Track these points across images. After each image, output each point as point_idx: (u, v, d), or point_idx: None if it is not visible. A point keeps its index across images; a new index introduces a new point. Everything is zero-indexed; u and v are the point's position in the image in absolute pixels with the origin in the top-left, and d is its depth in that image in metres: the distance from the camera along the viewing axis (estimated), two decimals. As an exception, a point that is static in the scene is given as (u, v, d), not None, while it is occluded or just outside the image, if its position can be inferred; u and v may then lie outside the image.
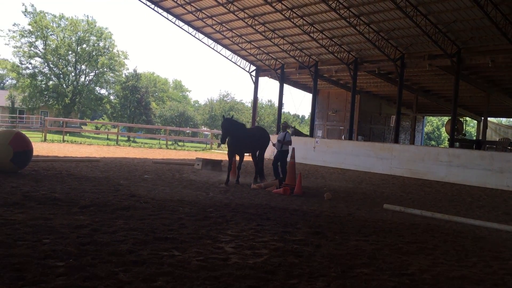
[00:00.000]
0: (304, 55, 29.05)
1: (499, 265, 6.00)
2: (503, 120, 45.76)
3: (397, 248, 6.53)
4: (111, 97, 57.35)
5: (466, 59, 21.68)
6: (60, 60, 52.18)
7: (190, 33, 30.93)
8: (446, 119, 38.57)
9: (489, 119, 30.75)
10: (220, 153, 30.50)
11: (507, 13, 17.97)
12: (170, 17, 29.74)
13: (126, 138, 44.55)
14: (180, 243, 5.73)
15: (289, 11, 23.59)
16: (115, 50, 55.73)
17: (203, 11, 27.73)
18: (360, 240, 6.82)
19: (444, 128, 50.52)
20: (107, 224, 6.47)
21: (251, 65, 33.75)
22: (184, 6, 27.67)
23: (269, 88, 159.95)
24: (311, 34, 25.10)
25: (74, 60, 53.01)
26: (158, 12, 29.22)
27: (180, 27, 30.41)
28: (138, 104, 52.35)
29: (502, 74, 24.61)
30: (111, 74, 55.89)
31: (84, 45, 53.01)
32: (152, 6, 28.81)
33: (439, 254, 6.38)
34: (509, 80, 25.32)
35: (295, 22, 24.33)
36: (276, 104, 35.12)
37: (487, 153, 19.02)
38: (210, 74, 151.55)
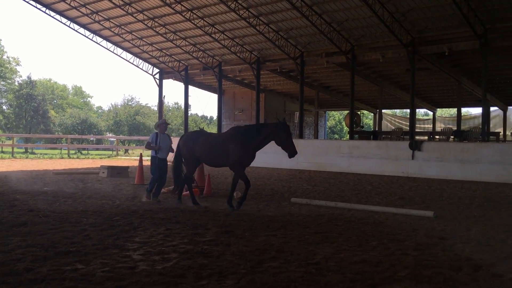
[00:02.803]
0: (207, 56, 29.08)
1: (395, 246, 6.45)
2: (397, 111, 49.08)
3: (304, 239, 6.77)
4: (4, 107, 53.32)
5: (359, 55, 22.99)
6: None
7: (87, 37, 29.64)
8: (346, 113, 40.64)
9: (384, 111, 32.88)
10: (127, 159, 29.62)
11: (393, 11, 19.30)
12: (64, 20, 28.27)
13: (23, 150, 41.65)
14: (84, 256, 5.48)
15: (189, 13, 23.46)
16: (4, 57, 51.95)
17: (99, 13, 26.69)
18: (269, 235, 6.98)
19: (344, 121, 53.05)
20: (2, 243, 6.01)
21: (154, 68, 33.13)
22: (78, 8, 26.42)
23: (175, 90, 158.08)
24: (213, 35, 25.18)
25: (-43, 68, 48.63)
26: (50, 15, 27.63)
27: (76, 30, 29.05)
28: (35, 113, 49.16)
29: (392, 68, 26.41)
30: (2, 83, 51.96)
31: (-31, 52, 48.82)
32: (44, 9, 27.20)
33: (342, 241, 6.71)
34: (398, 74, 27.23)
35: (196, 23, 24.24)
36: (183, 107, 34.81)
37: (383, 143, 20.35)
38: (112, 78, 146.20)
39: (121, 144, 45.52)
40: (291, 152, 9.18)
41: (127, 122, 55.62)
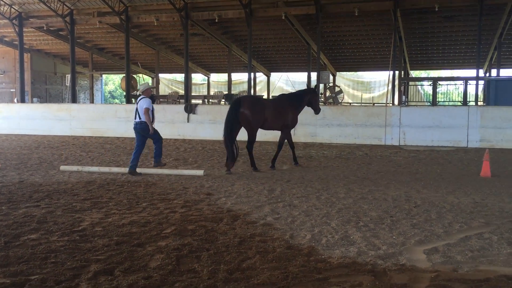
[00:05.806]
0: (-47, 6, 24.66)
1: (164, 205, 6.68)
2: (177, 77, 49.83)
3: (70, 207, 6.48)
4: None
5: (134, 17, 22.45)
6: None
7: None
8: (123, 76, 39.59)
9: (163, 75, 33.12)
10: None
11: (165, -26, 19.30)
12: None
13: None
14: None
15: None
16: None
17: None
18: (31, 206, 6.48)
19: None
20: None
21: None
22: None
23: None
24: (-41, -18, 21.43)
25: None
26: None
27: None
28: None
29: (167, 32, 26.61)
30: None
31: None
32: None
33: (112, 205, 6.64)
34: (173, 38, 27.60)
35: None
36: None
37: (160, 107, 20.53)
38: None
39: None
40: (319, 110, 11.45)
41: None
